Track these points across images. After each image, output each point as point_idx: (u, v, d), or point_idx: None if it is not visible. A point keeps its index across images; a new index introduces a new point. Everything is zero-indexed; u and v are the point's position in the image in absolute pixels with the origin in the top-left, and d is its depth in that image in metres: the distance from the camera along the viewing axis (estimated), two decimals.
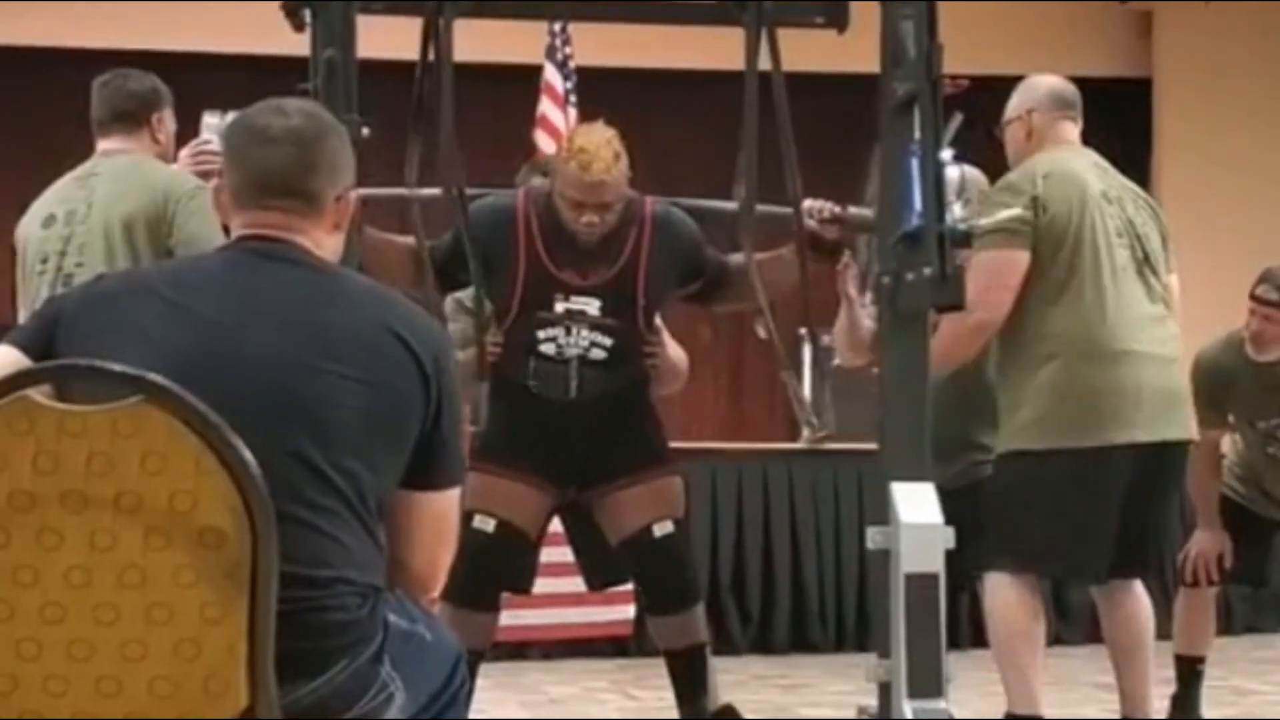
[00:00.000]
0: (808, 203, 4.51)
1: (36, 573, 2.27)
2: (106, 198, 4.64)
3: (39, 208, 4.79)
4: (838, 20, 4.24)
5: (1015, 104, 4.94)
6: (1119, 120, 11.10)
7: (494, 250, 4.61)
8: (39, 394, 2.31)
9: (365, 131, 3.83)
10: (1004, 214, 4.59)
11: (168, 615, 2.28)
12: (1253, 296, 5.67)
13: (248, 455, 2.30)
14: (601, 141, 4.64)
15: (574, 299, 4.62)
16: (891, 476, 3.91)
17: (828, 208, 4.53)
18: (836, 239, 4.57)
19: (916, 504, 3.84)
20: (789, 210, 4.39)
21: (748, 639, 7.98)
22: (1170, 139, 11.00)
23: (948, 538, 3.82)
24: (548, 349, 4.61)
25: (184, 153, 4.82)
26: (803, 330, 8.90)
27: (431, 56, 4.12)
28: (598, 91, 9.32)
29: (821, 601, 8.09)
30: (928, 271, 3.78)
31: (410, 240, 4.49)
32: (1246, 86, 10.79)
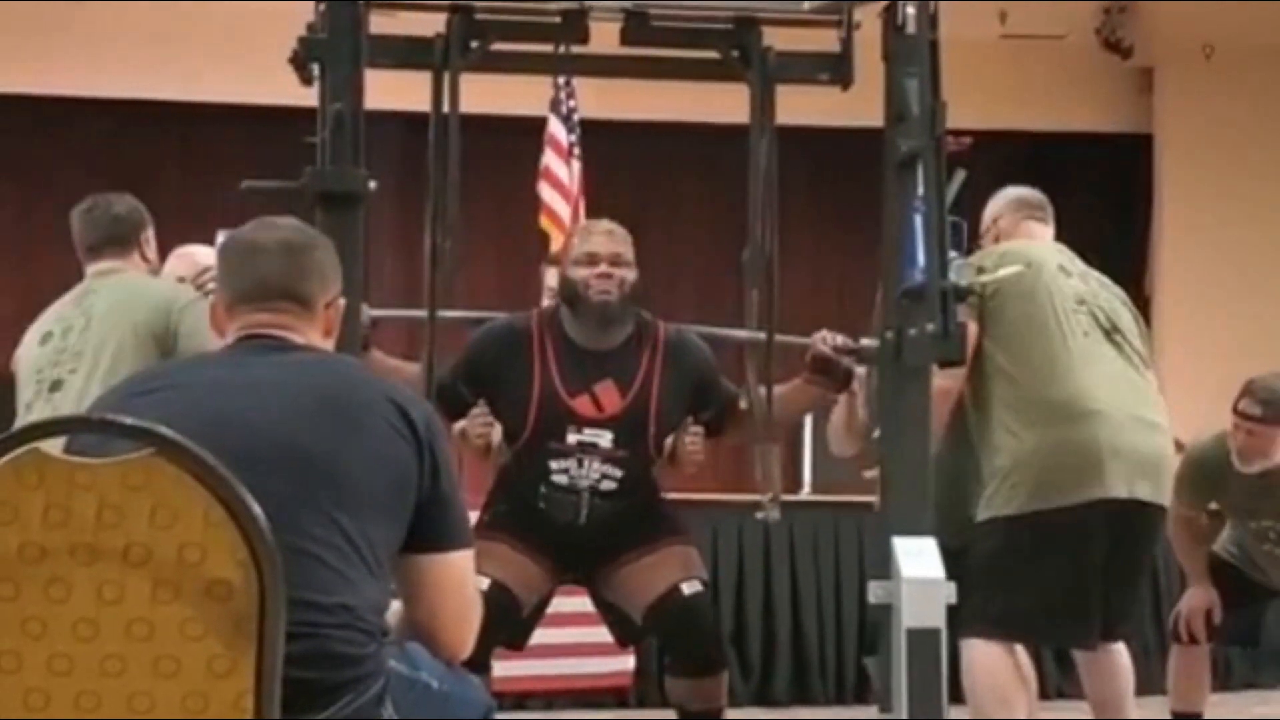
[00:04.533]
0: (822, 333, 4.56)
1: (45, 624, 2.28)
2: (107, 311, 4.66)
3: (37, 328, 4.83)
4: (842, 76, 4.26)
5: (984, 218, 4.98)
6: (1120, 175, 11.17)
7: (507, 375, 4.61)
8: (50, 447, 2.32)
9: (372, 185, 3.86)
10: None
11: (175, 667, 2.29)
12: (1235, 411, 5.64)
13: (256, 508, 2.31)
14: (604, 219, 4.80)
15: (586, 431, 4.60)
16: (893, 531, 3.92)
17: (842, 340, 4.56)
18: (849, 369, 4.58)
19: (918, 559, 3.85)
20: (802, 340, 4.45)
21: (748, 691, 7.97)
22: (1171, 194, 11.03)
23: (950, 593, 3.83)
24: (559, 479, 4.61)
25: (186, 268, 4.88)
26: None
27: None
28: (601, 144, 9.37)
29: (822, 654, 8.07)
30: (930, 327, 3.81)
31: (415, 367, 4.36)
32: (1247, 143, 10.82)
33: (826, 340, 4.55)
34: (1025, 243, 4.88)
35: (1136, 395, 4.70)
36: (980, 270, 4.63)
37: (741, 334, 4.50)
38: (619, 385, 4.63)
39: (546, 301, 5.29)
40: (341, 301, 2.91)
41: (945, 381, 4.53)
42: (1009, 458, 4.57)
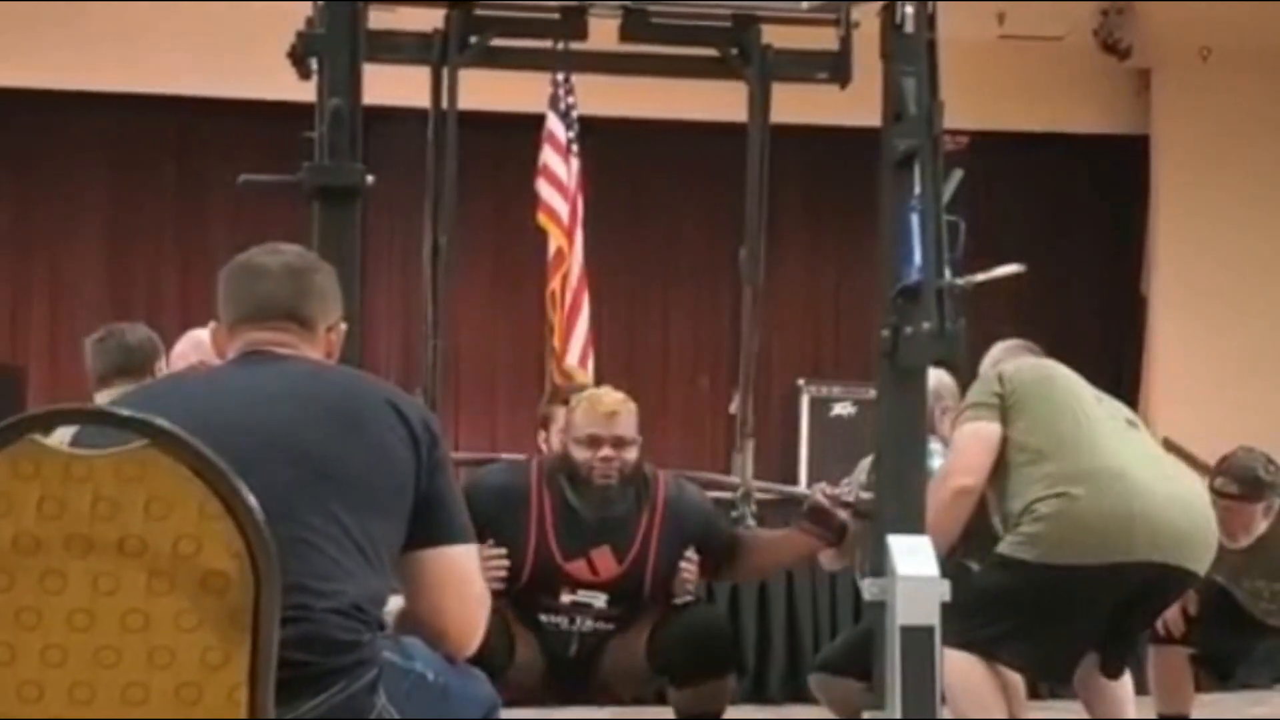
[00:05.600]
0: (820, 484, 4.58)
1: (39, 615, 2.28)
2: None
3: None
4: (840, 75, 4.27)
5: (983, 367, 5.01)
6: (1117, 176, 11.17)
7: (502, 530, 4.56)
8: (45, 439, 2.32)
9: (370, 179, 3.86)
10: (975, 390, 4.70)
11: (169, 659, 2.29)
12: (1212, 489, 5.62)
13: (252, 500, 2.32)
14: (609, 389, 4.77)
15: (581, 593, 4.61)
16: (888, 529, 3.92)
17: (840, 494, 4.59)
18: (844, 523, 4.59)
19: (913, 557, 3.86)
20: (800, 490, 4.46)
21: (743, 689, 7.94)
22: (1167, 196, 11.02)
23: (944, 591, 3.83)
24: (551, 629, 4.64)
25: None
26: (801, 380, 8.97)
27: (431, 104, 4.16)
28: (600, 141, 9.38)
29: (817, 652, 8.07)
30: (926, 326, 3.81)
31: None
32: (1244, 144, 10.82)
33: (825, 492, 4.57)
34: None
35: (1165, 466, 4.75)
36: (984, 377, 4.75)
37: (731, 479, 4.58)
38: (616, 551, 4.62)
39: (544, 435, 5.21)
40: (343, 327, 2.97)
41: (967, 480, 4.55)
42: (1039, 505, 4.55)
